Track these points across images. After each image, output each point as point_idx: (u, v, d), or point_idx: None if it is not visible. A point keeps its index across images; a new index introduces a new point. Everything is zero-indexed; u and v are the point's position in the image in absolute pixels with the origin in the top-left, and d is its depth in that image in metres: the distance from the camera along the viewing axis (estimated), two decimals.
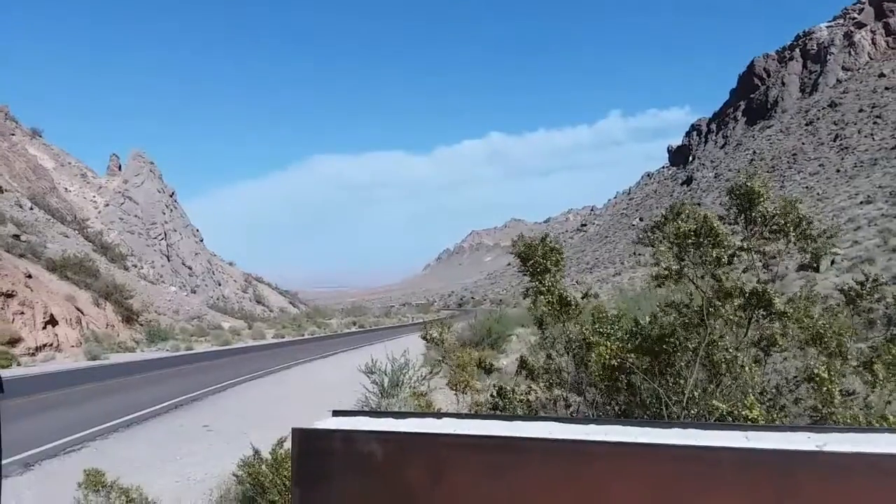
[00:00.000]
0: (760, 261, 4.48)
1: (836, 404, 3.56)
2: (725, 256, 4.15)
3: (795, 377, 4.25)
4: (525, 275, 5.47)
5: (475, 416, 1.76)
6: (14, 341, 26.64)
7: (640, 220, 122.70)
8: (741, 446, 1.26)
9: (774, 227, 4.29)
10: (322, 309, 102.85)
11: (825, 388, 3.60)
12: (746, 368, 3.94)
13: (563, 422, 1.52)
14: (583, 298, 5.41)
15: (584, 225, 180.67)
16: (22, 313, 28.06)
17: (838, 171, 79.07)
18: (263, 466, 5.85)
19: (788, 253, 4.51)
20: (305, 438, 1.55)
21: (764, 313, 4.23)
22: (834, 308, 4.58)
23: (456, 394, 11.28)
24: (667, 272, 4.28)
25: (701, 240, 4.12)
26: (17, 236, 39.14)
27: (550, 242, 5.47)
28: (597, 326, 4.80)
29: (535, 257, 5.29)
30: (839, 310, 4.48)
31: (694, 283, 4.27)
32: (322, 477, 1.53)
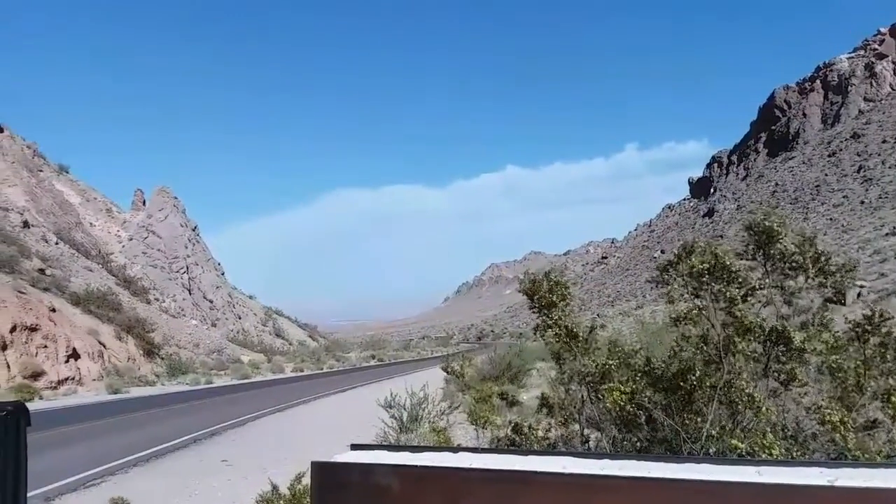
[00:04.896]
0: (781, 296, 4.43)
1: (849, 447, 3.50)
2: (739, 296, 4.12)
3: (810, 409, 4.17)
4: (533, 311, 5.45)
5: (491, 450, 1.77)
6: (37, 375, 26.92)
7: (662, 252, 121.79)
8: (753, 481, 1.27)
9: (793, 263, 4.25)
10: (341, 342, 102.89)
11: (839, 432, 3.54)
12: (761, 405, 3.87)
13: (577, 456, 1.53)
14: (590, 332, 5.37)
15: (605, 257, 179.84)
16: (45, 347, 28.39)
17: (862, 202, 78.21)
18: (282, 502, 5.85)
19: (808, 288, 4.45)
20: (324, 472, 1.58)
21: (783, 349, 4.18)
22: (843, 338, 4.49)
23: (476, 429, 11.19)
24: (685, 315, 4.24)
25: (715, 277, 4.09)
26: (42, 270, 39.68)
27: (555, 277, 5.45)
28: (611, 363, 4.75)
29: (541, 292, 5.28)
30: (849, 344, 4.39)
31: (711, 322, 4.23)
32: None
